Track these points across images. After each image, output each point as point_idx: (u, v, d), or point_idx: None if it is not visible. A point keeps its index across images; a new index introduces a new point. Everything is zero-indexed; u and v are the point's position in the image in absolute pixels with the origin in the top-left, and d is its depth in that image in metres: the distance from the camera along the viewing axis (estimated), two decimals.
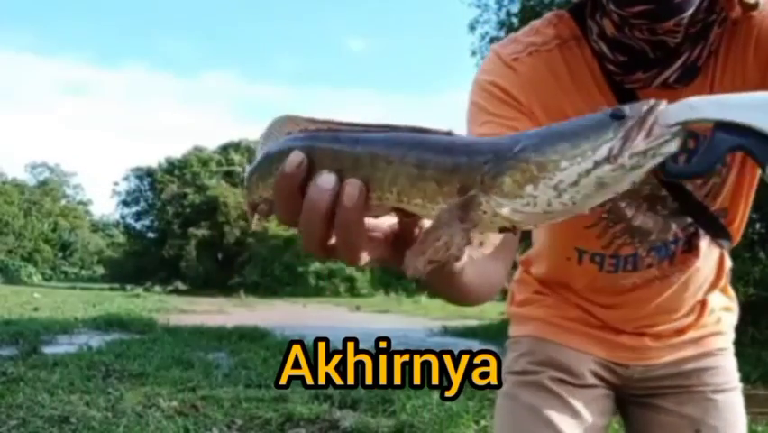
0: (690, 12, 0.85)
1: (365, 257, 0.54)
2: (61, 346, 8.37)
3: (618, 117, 0.47)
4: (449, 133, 0.53)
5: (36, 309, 14.87)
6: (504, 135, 0.53)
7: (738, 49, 0.94)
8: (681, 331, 1.16)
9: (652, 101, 0.48)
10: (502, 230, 0.52)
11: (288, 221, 0.56)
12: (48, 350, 7.71)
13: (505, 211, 0.49)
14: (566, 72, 0.99)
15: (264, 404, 4.89)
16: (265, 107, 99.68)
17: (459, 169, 0.50)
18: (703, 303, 1.17)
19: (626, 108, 0.48)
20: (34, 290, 26.31)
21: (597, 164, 0.47)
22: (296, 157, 0.54)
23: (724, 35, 0.93)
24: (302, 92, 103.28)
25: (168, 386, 5.47)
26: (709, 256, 1.10)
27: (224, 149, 41.30)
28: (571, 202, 0.48)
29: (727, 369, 1.17)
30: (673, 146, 0.48)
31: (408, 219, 0.54)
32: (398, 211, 0.53)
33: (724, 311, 1.21)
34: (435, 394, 4.97)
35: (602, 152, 0.46)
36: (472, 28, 13.03)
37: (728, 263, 1.18)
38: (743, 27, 0.93)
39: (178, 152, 53.47)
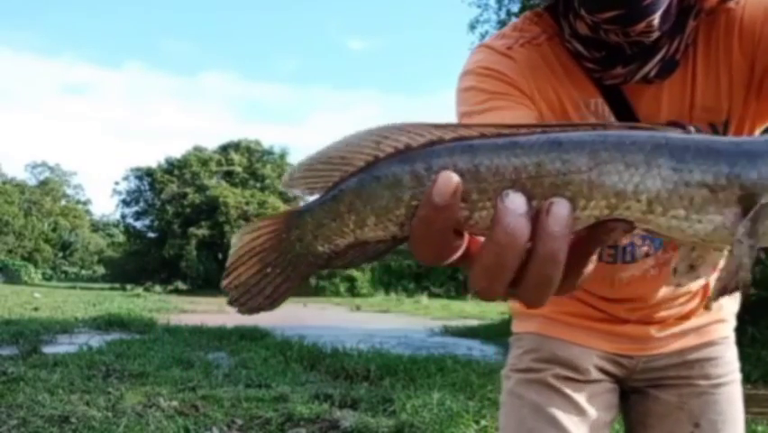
0: (660, 12, 0.86)
1: (554, 290, 0.45)
2: (61, 346, 8.36)
3: None
4: (688, 130, 0.45)
5: (36, 309, 14.87)
6: None
7: (719, 39, 0.95)
8: (685, 317, 1.15)
9: None
10: None
11: (439, 261, 0.46)
12: (48, 350, 7.70)
13: None
14: (558, 64, 1.00)
15: (264, 404, 4.89)
16: (265, 107, 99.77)
17: (740, 173, 0.42)
18: (706, 287, 1.16)
19: None
20: (34, 289, 26.30)
21: None
22: (449, 182, 0.42)
23: (700, 27, 0.95)
24: (302, 92, 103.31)
25: (168, 386, 5.47)
26: None
27: (224, 149, 41.29)
28: None
29: (728, 359, 1.17)
30: None
31: (616, 228, 0.45)
32: (611, 222, 0.44)
33: (726, 297, 1.20)
34: (435, 394, 4.98)
35: None
36: (473, 27, 13.04)
37: None
38: (722, 18, 0.94)
39: (177, 151, 53.56)
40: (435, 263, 0.46)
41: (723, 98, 0.96)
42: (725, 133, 0.98)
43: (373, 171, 0.44)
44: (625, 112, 0.98)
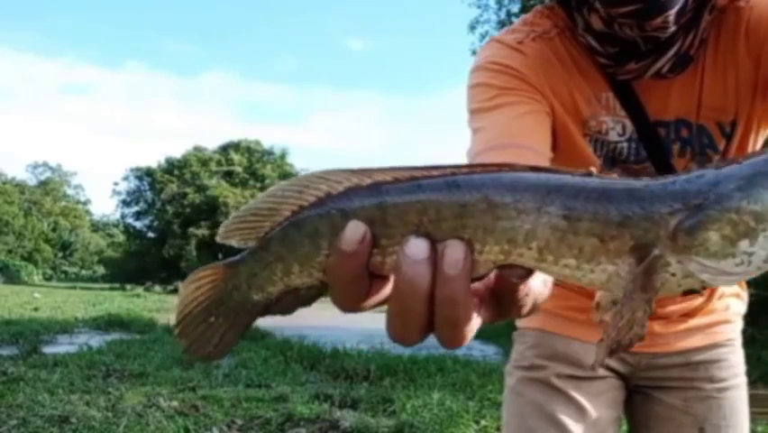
0: (677, 7, 0.86)
1: (471, 332, 0.44)
2: (61, 346, 8.36)
3: None
4: (589, 174, 0.43)
5: (36, 309, 14.88)
6: (678, 175, 0.42)
7: (728, 37, 0.94)
8: (689, 315, 1.14)
9: None
10: (687, 292, 0.42)
11: (353, 308, 0.46)
12: (48, 350, 7.71)
13: (706, 275, 0.40)
14: (569, 58, 0.98)
15: (264, 404, 4.89)
16: (265, 107, 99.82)
17: (631, 221, 0.40)
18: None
19: None
20: (34, 289, 26.30)
21: None
22: (356, 230, 0.42)
23: (713, 23, 0.94)
24: (302, 92, 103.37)
25: (168, 386, 5.47)
26: None
27: (224, 149, 41.32)
28: None
29: (733, 362, 1.16)
30: None
31: (513, 275, 0.43)
32: (508, 268, 0.43)
33: (734, 297, 1.19)
34: (435, 394, 4.98)
35: None
36: (473, 28, 13.07)
37: None
38: (731, 16, 0.94)
39: (177, 152, 53.53)
40: (353, 309, 0.45)
41: (730, 98, 0.95)
42: (732, 132, 0.96)
43: (295, 221, 0.45)
44: (634, 107, 0.97)
